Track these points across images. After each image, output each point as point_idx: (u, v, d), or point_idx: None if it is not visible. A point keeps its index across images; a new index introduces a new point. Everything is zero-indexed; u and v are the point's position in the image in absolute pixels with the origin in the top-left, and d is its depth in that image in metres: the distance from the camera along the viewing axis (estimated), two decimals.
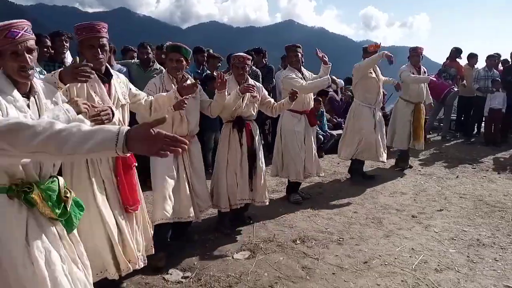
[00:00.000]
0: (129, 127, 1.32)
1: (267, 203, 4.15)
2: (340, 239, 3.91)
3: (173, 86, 3.32)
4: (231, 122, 3.97)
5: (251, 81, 4.03)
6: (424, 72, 5.97)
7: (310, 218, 4.48)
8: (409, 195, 5.28)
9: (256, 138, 4.07)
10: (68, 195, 1.84)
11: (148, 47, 5.49)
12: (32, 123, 1.34)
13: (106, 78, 2.65)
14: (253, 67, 6.47)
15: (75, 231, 1.91)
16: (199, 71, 6.17)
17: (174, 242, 3.66)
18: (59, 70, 2.23)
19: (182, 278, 3.19)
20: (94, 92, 2.55)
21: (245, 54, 4.10)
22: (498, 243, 3.81)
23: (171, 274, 3.23)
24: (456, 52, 8.74)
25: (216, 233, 4.01)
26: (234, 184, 3.95)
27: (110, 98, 2.61)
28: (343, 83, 8.02)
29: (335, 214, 4.59)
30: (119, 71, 4.42)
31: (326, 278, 3.21)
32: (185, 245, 3.70)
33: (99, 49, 2.52)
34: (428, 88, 6.30)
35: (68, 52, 4.63)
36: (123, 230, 2.63)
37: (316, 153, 5.04)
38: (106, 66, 2.68)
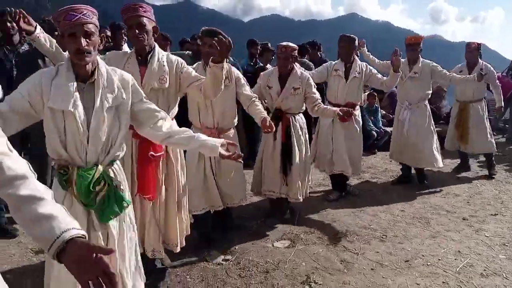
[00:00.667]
0: (76, 235, 1.08)
1: (301, 200, 4.06)
2: (383, 236, 3.87)
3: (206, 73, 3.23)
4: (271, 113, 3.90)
5: (298, 71, 3.98)
6: (481, 69, 5.35)
7: (355, 213, 4.45)
8: (462, 197, 5.06)
9: (296, 134, 3.95)
10: (101, 187, 1.91)
11: None
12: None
13: (143, 60, 2.69)
14: (306, 60, 6.48)
15: (118, 223, 2.00)
16: (252, 63, 6.28)
17: (216, 230, 3.76)
18: None
19: (222, 260, 3.34)
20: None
21: (290, 44, 3.93)
22: None
23: (212, 256, 3.38)
24: None
25: (259, 221, 4.11)
26: (260, 173, 4.04)
27: (141, 82, 2.61)
28: None
29: (381, 212, 4.52)
30: None
31: (364, 273, 3.20)
32: (227, 230, 3.84)
33: (136, 29, 2.56)
34: (497, 89, 5.73)
35: (126, 44, 4.90)
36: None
37: (350, 151, 4.62)
38: (151, 48, 2.71)
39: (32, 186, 1.15)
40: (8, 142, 1.21)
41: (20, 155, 1.26)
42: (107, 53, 2.86)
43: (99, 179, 1.91)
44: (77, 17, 1.82)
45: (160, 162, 2.73)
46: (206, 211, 3.43)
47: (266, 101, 4.08)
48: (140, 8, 2.58)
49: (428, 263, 3.35)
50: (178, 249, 2.92)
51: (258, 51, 6.44)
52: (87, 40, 1.83)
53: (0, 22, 3.88)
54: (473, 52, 5.57)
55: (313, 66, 6.45)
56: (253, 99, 3.39)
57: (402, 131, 5.20)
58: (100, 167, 1.93)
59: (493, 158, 5.96)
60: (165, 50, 5.15)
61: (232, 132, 3.50)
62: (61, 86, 1.85)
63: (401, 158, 5.39)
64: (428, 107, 5.29)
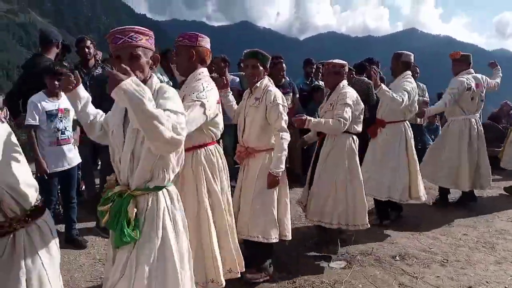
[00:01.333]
0: None
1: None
2: (444, 261, 3.72)
3: (248, 94, 3.38)
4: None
5: (340, 87, 3.76)
6: None
7: (413, 236, 4.32)
8: None
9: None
10: (106, 207, 1.87)
11: None
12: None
13: None
14: (365, 78, 6.44)
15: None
16: (307, 82, 6.34)
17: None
18: None
19: (277, 278, 3.37)
20: None
21: (333, 61, 3.82)
22: None
23: (268, 273, 3.43)
24: None
25: (315, 240, 4.10)
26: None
27: None
28: None
29: (441, 235, 4.35)
30: (232, 81, 4.78)
31: None
32: (284, 248, 3.86)
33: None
34: None
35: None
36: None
37: (382, 173, 4.44)
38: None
39: None
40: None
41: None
42: None
43: (109, 198, 1.89)
44: (122, 40, 1.85)
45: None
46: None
47: None
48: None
49: None
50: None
51: (314, 70, 6.50)
52: (133, 62, 1.85)
53: (79, 47, 4.28)
54: None
55: (371, 85, 6.40)
56: (277, 131, 3.17)
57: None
58: (117, 188, 1.90)
59: None
60: (223, 72, 5.38)
61: (262, 154, 3.28)
62: (116, 105, 2.01)
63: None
64: None
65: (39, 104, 3.53)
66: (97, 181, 4.92)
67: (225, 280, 2.68)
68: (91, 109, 2.16)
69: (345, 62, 3.86)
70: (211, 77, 2.83)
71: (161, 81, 2.05)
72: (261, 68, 3.26)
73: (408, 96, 4.28)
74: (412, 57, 4.70)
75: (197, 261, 2.50)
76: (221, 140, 4.73)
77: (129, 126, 1.87)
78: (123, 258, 1.83)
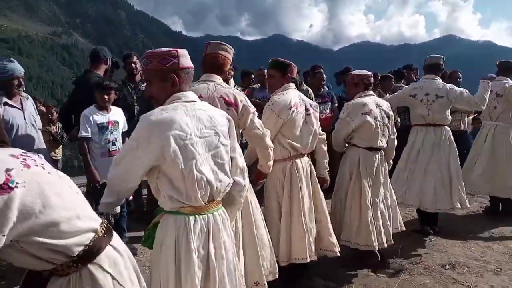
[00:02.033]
0: None
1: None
2: (497, 269, 3.58)
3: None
4: None
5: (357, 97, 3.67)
6: None
7: (464, 244, 4.17)
8: None
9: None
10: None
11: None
12: None
13: None
14: (403, 85, 6.35)
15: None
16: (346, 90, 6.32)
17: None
18: None
19: (323, 286, 3.35)
20: None
21: (357, 72, 3.74)
22: None
23: (314, 282, 3.41)
24: None
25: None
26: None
27: None
28: None
29: (493, 243, 4.19)
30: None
31: None
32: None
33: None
34: None
35: (232, 79, 5.25)
36: None
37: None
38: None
39: None
40: None
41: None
42: None
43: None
44: (171, 62, 1.87)
45: None
46: None
47: None
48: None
49: None
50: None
51: None
52: (147, 87, 1.98)
53: (126, 63, 4.47)
54: None
55: None
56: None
57: None
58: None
59: None
60: (247, 85, 5.68)
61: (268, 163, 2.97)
62: None
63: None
64: None
65: (91, 117, 3.69)
66: (144, 191, 5.05)
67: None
68: None
69: (369, 73, 3.71)
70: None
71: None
72: (276, 76, 3.22)
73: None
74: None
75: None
76: None
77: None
78: None
